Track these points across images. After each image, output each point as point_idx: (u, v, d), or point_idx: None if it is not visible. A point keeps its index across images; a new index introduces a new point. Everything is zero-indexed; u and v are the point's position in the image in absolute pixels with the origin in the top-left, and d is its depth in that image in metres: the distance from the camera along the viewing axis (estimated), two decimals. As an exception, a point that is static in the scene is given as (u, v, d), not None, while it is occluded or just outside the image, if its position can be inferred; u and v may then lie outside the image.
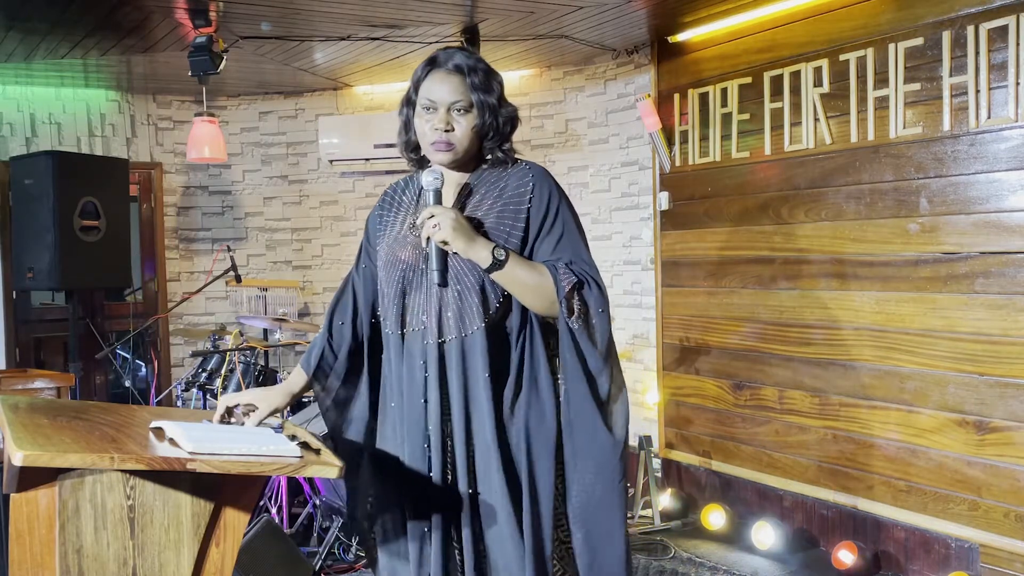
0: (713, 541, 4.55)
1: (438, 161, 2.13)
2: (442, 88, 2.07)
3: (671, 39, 4.99)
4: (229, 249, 5.58)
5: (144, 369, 6.36)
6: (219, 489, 1.82)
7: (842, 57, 4.10)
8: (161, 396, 5.90)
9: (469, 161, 2.16)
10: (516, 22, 4.59)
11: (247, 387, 4.47)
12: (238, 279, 5.37)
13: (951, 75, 3.68)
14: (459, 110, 2.07)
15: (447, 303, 2.06)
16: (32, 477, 1.72)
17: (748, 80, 4.58)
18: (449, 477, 2.08)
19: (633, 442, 5.23)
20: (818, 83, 4.22)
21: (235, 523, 1.87)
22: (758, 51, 4.52)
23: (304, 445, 1.89)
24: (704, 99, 4.84)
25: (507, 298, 2.07)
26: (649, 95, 5.06)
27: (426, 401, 2.08)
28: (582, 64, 5.57)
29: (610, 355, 2.09)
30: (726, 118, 4.71)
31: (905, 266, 3.90)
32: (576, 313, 2.02)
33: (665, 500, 4.84)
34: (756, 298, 4.61)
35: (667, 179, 5.08)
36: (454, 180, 2.17)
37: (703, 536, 4.62)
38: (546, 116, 5.76)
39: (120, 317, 6.15)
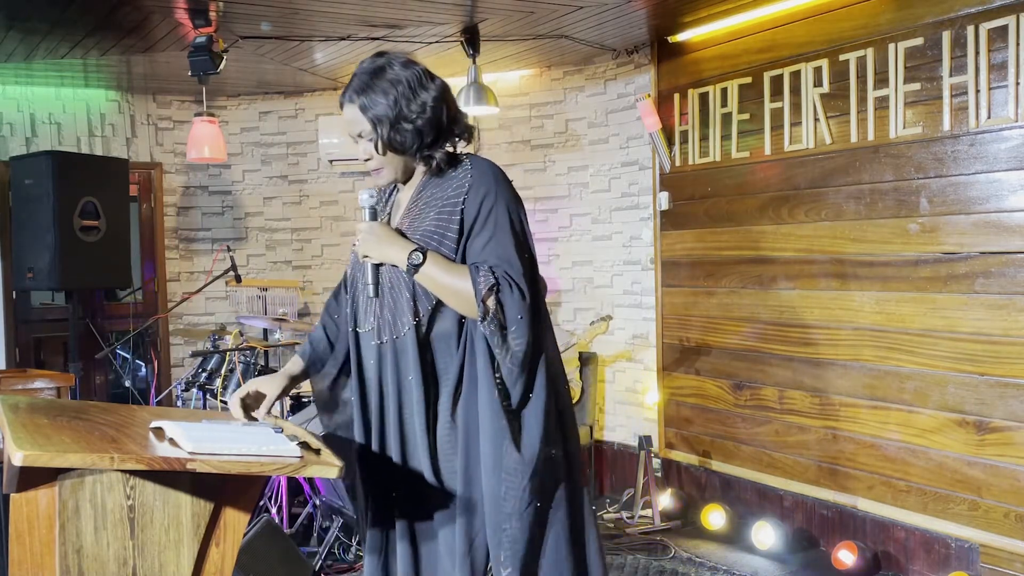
0: (713, 541, 4.55)
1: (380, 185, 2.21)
2: (346, 122, 2.12)
3: (671, 39, 4.99)
4: (229, 249, 5.57)
5: (144, 369, 6.35)
6: (219, 489, 1.83)
7: (842, 57, 4.10)
8: (161, 396, 5.90)
9: (411, 169, 2.18)
10: (516, 22, 4.59)
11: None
12: (238, 279, 5.37)
13: (951, 75, 3.68)
14: (366, 138, 2.10)
15: (384, 306, 2.13)
16: (32, 477, 1.72)
17: (748, 80, 4.58)
18: (389, 475, 2.13)
19: (633, 442, 5.23)
20: (818, 83, 4.22)
21: (235, 523, 1.87)
22: (758, 51, 4.52)
23: (304, 445, 1.89)
24: (704, 99, 4.84)
25: (440, 302, 2.08)
26: (649, 95, 5.06)
27: (379, 399, 2.16)
28: (582, 64, 5.57)
29: (530, 366, 2.03)
30: (726, 118, 4.71)
31: (905, 266, 3.90)
32: (490, 317, 1.99)
33: (665, 500, 4.84)
34: (756, 298, 4.61)
35: (667, 179, 5.08)
36: (404, 192, 2.22)
37: (703, 536, 4.62)
38: (546, 116, 5.76)
39: (120, 317, 6.15)
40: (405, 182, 2.20)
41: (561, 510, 2.09)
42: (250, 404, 2.19)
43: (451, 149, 2.15)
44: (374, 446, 2.15)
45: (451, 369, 2.08)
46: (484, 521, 2.05)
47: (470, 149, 2.20)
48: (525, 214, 2.14)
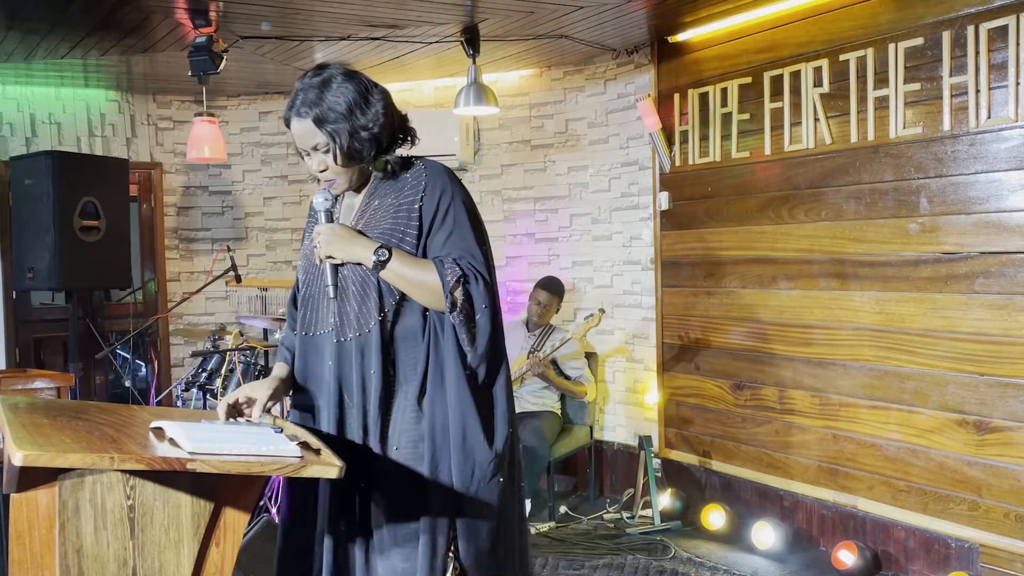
0: (713, 541, 4.55)
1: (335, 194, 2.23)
2: (298, 136, 2.13)
3: (671, 39, 4.99)
4: (229, 249, 5.57)
5: (144, 369, 6.35)
6: (219, 489, 1.82)
7: (842, 57, 4.10)
8: (161, 396, 5.89)
9: (363, 175, 2.21)
10: (516, 22, 4.59)
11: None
12: (238, 279, 5.36)
13: (951, 75, 3.68)
14: (321, 151, 2.11)
15: (347, 305, 2.14)
16: (32, 477, 1.72)
17: (748, 80, 4.58)
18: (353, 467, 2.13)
19: (633, 442, 5.23)
20: (818, 83, 4.22)
21: (235, 523, 1.86)
22: (758, 51, 4.52)
23: (304, 445, 1.89)
24: (704, 99, 4.84)
25: (404, 297, 2.12)
26: (649, 95, 5.06)
27: (337, 397, 2.17)
28: (582, 64, 5.57)
29: (492, 352, 2.13)
30: (726, 118, 4.71)
31: (905, 266, 3.91)
32: (459, 307, 2.06)
33: (665, 500, 4.84)
34: (756, 298, 4.61)
35: (667, 179, 5.08)
36: (357, 196, 2.24)
37: (703, 536, 4.62)
38: (546, 116, 5.76)
39: (120, 317, 6.15)
40: (358, 189, 2.23)
41: (515, 496, 2.23)
42: (242, 409, 2.18)
43: (401, 152, 2.21)
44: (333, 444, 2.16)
45: (418, 361, 2.13)
46: (449, 501, 2.11)
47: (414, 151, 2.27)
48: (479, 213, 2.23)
